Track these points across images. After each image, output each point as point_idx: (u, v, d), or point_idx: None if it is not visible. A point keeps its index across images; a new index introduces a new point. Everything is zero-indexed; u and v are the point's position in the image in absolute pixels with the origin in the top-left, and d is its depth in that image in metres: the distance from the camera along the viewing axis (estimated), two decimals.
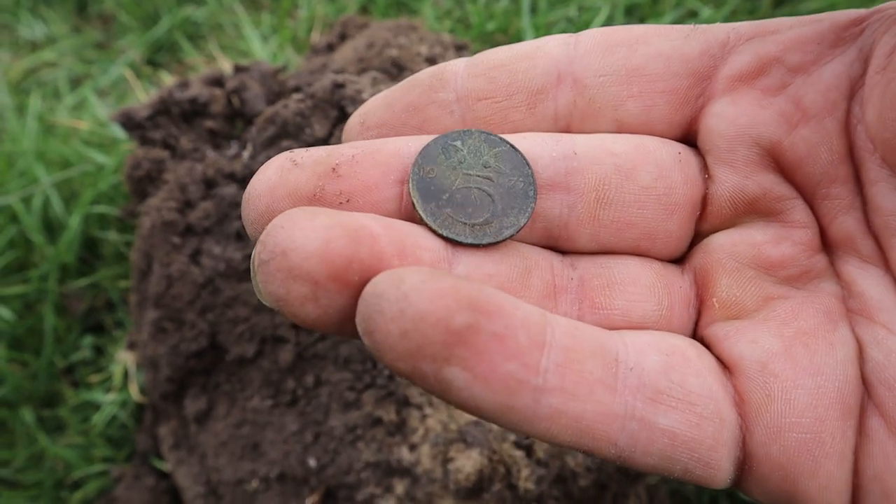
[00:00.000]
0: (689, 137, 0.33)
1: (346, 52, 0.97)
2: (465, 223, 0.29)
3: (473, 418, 0.68)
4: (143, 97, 1.26)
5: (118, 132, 1.09)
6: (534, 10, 1.36)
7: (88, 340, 1.04)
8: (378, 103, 0.32)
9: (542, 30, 1.29)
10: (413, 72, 0.89)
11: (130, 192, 0.83)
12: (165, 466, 0.89)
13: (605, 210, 0.31)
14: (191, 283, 0.78)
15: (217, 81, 0.94)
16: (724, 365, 0.30)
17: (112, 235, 1.07)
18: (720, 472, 0.28)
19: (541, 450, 0.68)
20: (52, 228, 1.08)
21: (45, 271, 1.04)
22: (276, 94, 0.95)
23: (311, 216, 0.25)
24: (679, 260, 0.34)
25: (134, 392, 0.92)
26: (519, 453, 0.68)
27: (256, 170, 0.79)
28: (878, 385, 0.28)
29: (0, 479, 0.93)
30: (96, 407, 0.96)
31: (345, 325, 0.25)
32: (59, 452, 0.89)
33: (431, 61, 0.91)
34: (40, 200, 1.07)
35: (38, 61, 1.49)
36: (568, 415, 0.25)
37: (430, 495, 0.70)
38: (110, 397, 0.94)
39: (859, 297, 0.30)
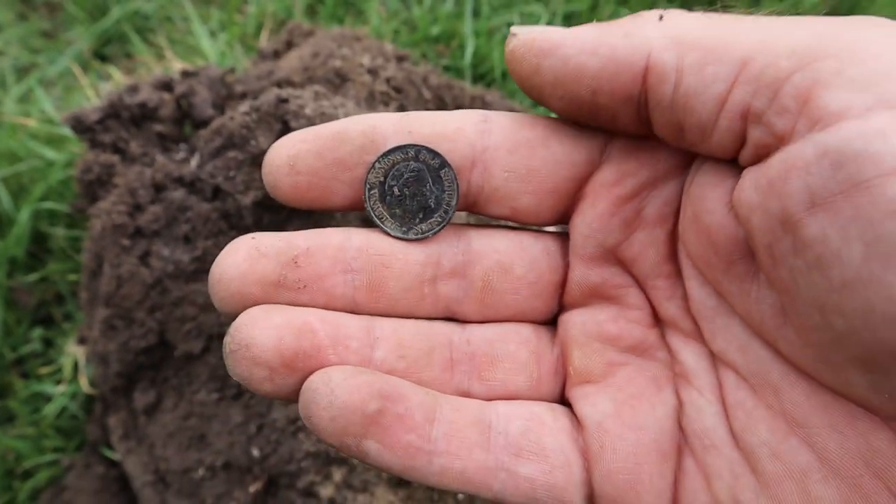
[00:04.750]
0: (566, 220, 0.40)
1: (291, 60, 1.01)
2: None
3: None
4: (90, 92, 1.27)
5: (67, 129, 1.11)
6: (477, 14, 1.42)
7: (38, 333, 1.07)
8: (307, 149, 0.36)
9: (484, 36, 1.35)
10: (355, 82, 0.94)
11: (81, 193, 0.86)
12: (115, 455, 0.93)
13: (488, 295, 0.39)
14: (140, 283, 0.82)
15: (166, 86, 0.97)
16: (578, 422, 0.37)
17: (61, 231, 1.09)
18: None
19: None
20: (0, 224, 1.10)
21: None
22: (224, 98, 0.99)
23: (267, 316, 0.34)
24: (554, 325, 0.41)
25: (84, 384, 0.96)
26: None
27: (204, 177, 0.83)
28: (691, 434, 0.36)
29: None
30: (46, 398, 0.99)
31: (291, 396, 0.34)
32: (9, 443, 0.93)
33: (373, 73, 0.96)
34: None
35: None
36: (454, 470, 0.34)
37: (365, 482, 0.76)
38: (60, 389, 0.98)
39: (681, 365, 0.37)
